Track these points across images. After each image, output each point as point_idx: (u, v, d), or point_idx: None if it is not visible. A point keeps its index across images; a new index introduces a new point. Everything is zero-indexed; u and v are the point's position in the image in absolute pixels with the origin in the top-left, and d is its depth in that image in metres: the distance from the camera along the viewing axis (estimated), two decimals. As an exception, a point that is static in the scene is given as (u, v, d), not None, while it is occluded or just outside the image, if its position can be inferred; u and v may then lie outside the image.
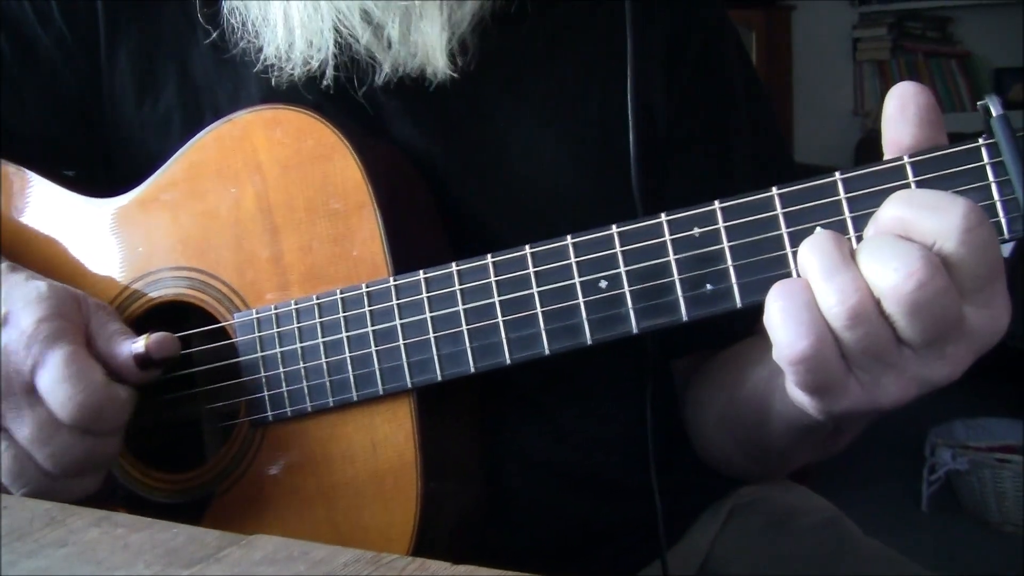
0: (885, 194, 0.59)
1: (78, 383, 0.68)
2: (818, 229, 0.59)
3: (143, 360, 0.72)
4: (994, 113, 0.57)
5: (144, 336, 0.73)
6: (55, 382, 0.68)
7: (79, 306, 0.74)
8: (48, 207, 0.86)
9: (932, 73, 4.39)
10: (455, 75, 0.77)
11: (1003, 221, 0.58)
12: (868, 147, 4.17)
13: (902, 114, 0.59)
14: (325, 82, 0.79)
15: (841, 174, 0.60)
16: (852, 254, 0.57)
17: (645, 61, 0.83)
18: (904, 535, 2.58)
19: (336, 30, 0.77)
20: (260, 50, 0.81)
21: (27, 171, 0.87)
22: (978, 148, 0.58)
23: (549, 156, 0.83)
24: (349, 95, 0.81)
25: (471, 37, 0.78)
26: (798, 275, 0.60)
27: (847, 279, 0.56)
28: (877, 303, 0.56)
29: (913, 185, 0.59)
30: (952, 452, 2.83)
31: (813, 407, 0.61)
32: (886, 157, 0.61)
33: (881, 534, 0.92)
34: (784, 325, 0.57)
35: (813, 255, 0.57)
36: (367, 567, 0.48)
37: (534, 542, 0.84)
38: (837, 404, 0.59)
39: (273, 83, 0.81)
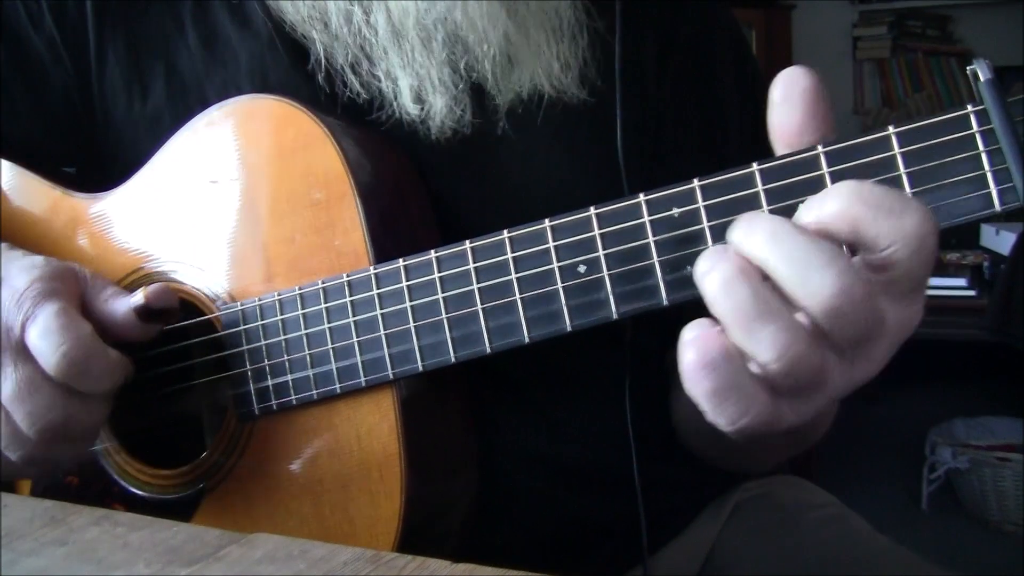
0: (869, 167, 0.57)
1: (65, 334, 0.68)
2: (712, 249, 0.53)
3: (144, 311, 0.72)
4: (982, 78, 0.55)
5: (141, 289, 0.73)
6: (43, 334, 0.68)
7: (75, 274, 0.74)
8: (38, 204, 0.86)
9: (932, 71, 4.38)
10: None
11: (994, 192, 0.55)
12: (868, 146, 4.16)
13: (786, 99, 0.57)
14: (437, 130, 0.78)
15: (823, 147, 0.58)
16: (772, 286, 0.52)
17: (636, 53, 0.82)
18: (904, 534, 2.56)
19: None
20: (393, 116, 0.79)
21: (18, 168, 0.87)
22: (967, 116, 0.56)
23: (542, 149, 0.82)
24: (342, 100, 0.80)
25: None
26: None
27: (777, 329, 0.51)
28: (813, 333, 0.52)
29: (899, 158, 0.57)
30: (952, 451, 2.83)
31: (721, 424, 0.56)
32: (777, 147, 0.58)
33: (881, 532, 0.91)
34: (718, 406, 0.53)
35: (728, 302, 0.52)
36: (367, 565, 0.48)
37: (531, 537, 0.84)
38: (756, 430, 0.55)
39: (422, 138, 0.79)
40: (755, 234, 0.52)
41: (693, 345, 0.52)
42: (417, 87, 0.77)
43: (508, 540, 0.82)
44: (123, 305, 0.73)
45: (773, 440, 0.64)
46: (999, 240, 3.13)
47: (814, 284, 0.50)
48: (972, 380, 3.47)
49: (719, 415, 0.53)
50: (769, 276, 0.52)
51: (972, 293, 2.98)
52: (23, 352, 0.69)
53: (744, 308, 0.51)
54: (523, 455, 0.84)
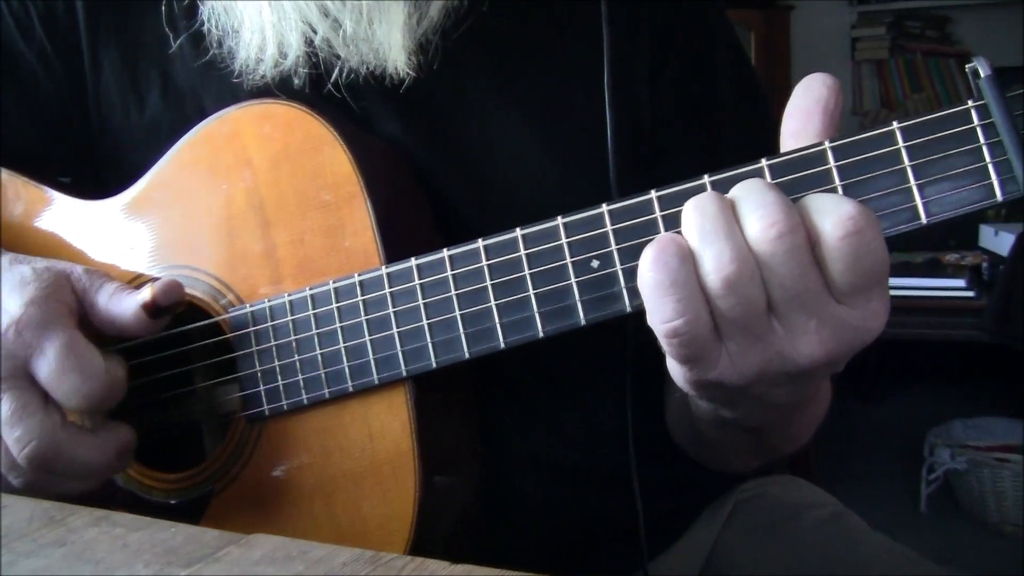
0: (875, 161, 0.59)
1: (82, 372, 0.68)
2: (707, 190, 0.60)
3: (152, 308, 0.72)
4: (983, 74, 0.57)
5: (148, 285, 0.73)
6: (59, 373, 0.68)
7: (68, 281, 0.73)
8: (41, 211, 0.86)
9: (931, 72, 4.38)
10: (413, 73, 0.78)
11: (995, 183, 0.58)
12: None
13: (806, 89, 0.60)
14: (297, 82, 0.79)
15: (830, 142, 0.60)
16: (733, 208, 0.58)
17: (629, 58, 0.83)
18: (902, 535, 2.57)
19: (301, 28, 0.78)
20: (232, 55, 0.81)
21: (20, 176, 0.87)
22: (968, 111, 0.58)
23: (534, 154, 0.83)
24: (335, 95, 0.80)
25: (435, 37, 0.78)
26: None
27: (726, 246, 0.57)
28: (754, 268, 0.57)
29: (903, 152, 0.59)
30: (951, 452, 2.84)
31: (683, 377, 0.61)
32: (784, 132, 0.61)
33: (879, 533, 0.92)
34: (660, 298, 0.57)
35: (693, 216, 0.58)
36: (365, 566, 0.48)
37: (532, 539, 0.84)
38: (705, 375, 0.60)
39: (246, 86, 0.81)
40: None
41: (655, 243, 0.58)
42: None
43: (509, 542, 0.82)
44: (131, 303, 0.72)
45: (743, 419, 0.68)
46: (998, 241, 3.13)
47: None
48: (971, 381, 3.47)
49: (658, 310, 0.58)
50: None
51: (971, 294, 2.97)
52: (23, 379, 0.69)
53: (707, 222, 0.58)
54: (525, 458, 0.84)
